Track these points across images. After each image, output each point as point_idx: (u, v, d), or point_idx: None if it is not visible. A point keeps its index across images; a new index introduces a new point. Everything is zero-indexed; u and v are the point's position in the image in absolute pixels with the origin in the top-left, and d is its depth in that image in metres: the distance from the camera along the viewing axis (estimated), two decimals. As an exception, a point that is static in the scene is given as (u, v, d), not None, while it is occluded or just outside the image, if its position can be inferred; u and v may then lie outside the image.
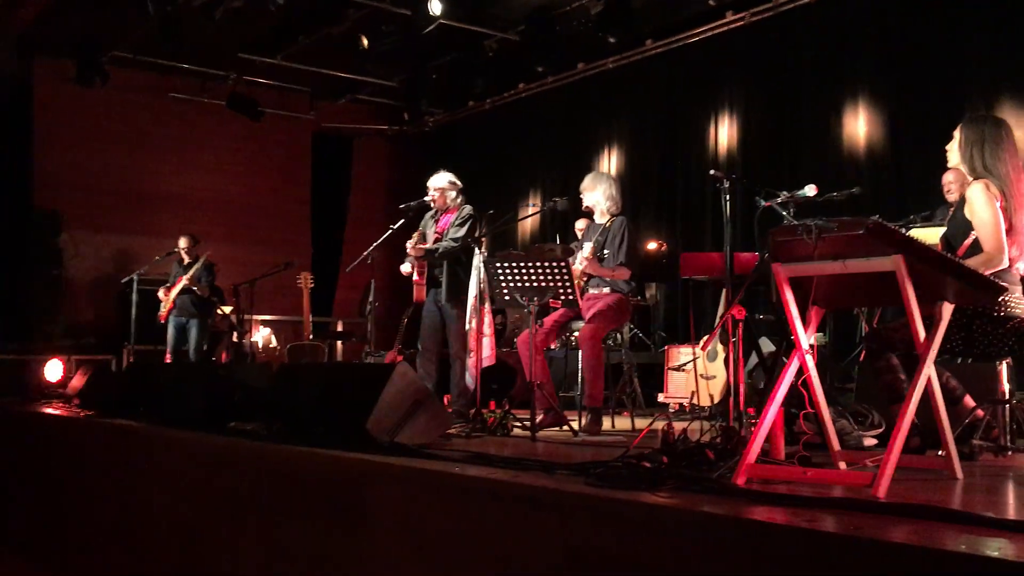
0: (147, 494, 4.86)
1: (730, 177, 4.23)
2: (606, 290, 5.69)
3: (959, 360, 3.95)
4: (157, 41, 9.47)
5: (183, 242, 9.34)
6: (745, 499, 2.55)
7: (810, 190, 4.14)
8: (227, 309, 9.94)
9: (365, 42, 9.32)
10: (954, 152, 3.84)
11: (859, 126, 8.18)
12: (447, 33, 9.30)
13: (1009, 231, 3.67)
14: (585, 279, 5.67)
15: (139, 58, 10.60)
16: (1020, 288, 3.77)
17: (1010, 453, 3.70)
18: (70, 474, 5.81)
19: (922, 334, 3.06)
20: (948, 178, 6.19)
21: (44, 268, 10.22)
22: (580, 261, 5.60)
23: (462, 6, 8.82)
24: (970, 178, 3.78)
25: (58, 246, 10.43)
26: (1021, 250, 3.71)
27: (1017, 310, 3.65)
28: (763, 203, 4.11)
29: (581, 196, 5.92)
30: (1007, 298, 3.61)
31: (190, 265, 9.18)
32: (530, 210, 5.39)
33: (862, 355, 6.17)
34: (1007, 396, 3.71)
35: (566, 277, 5.02)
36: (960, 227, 3.78)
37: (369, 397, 4.03)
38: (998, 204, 3.63)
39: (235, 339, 10.03)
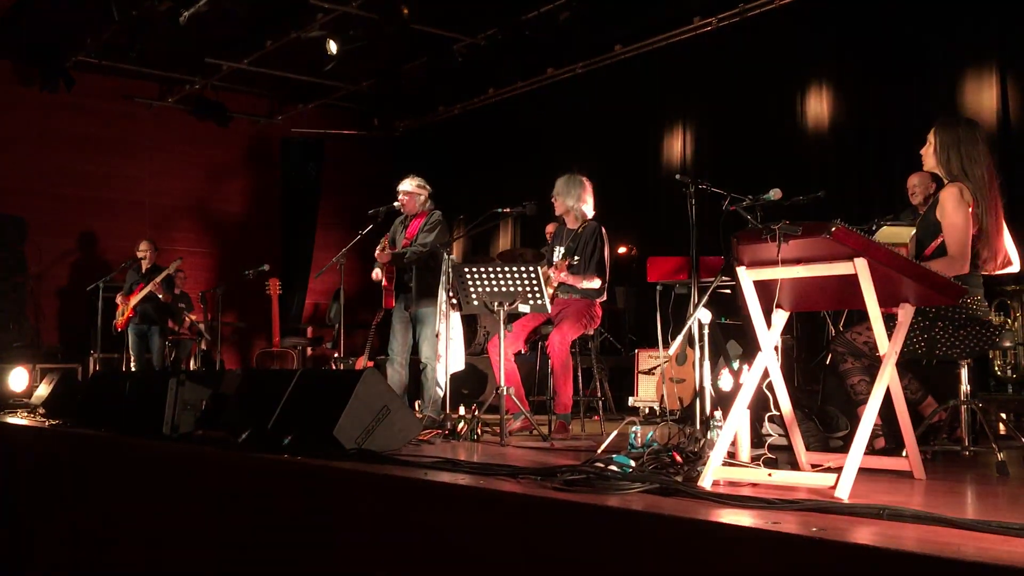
0: (113, 504, 4.81)
1: (695, 181, 4.25)
2: (576, 295, 5.70)
3: (923, 363, 4.00)
4: (122, 45, 9.37)
5: (143, 247, 9.25)
6: (711, 502, 2.57)
7: (775, 194, 4.18)
8: (194, 316, 9.86)
9: (333, 46, 9.27)
10: (930, 156, 3.88)
11: (825, 130, 8.26)
12: (416, 37, 9.29)
13: (978, 235, 3.72)
14: (556, 285, 5.68)
15: (103, 63, 10.48)
16: (982, 291, 3.82)
17: (969, 453, 3.75)
18: (36, 484, 5.73)
19: (883, 337, 3.10)
20: (913, 181, 6.27)
21: (8, 275, 10.07)
22: (552, 270, 5.60)
23: (431, 10, 8.81)
24: (946, 180, 3.82)
25: (23, 253, 10.29)
26: (992, 253, 3.75)
27: (978, 312, 3.71)
28: (728, 207, 4.14)
29: (554, 200, 5.93)
30: (968, 300, 3.66)
31: (150, 271, 9.08)
32: (500, 214, 5.37)
33: (828, 357, 6.23)
34: (967, 397, 3.76)
35: (535, 282, 5.03)
36: (930, 229, 3.84)
37: (337, 404, 4.02)
38: (969, 210, 3.68)
39: (203, 347, 9.95)
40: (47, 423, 6.11)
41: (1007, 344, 5.81)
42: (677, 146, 9.49)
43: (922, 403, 3.92)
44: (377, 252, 6.26)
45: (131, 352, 9.07)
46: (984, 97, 7.17)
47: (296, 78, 11.07)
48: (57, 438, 5.63)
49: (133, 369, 8.99)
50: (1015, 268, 3.89)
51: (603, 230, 5.78)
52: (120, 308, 9.07)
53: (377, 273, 6.32)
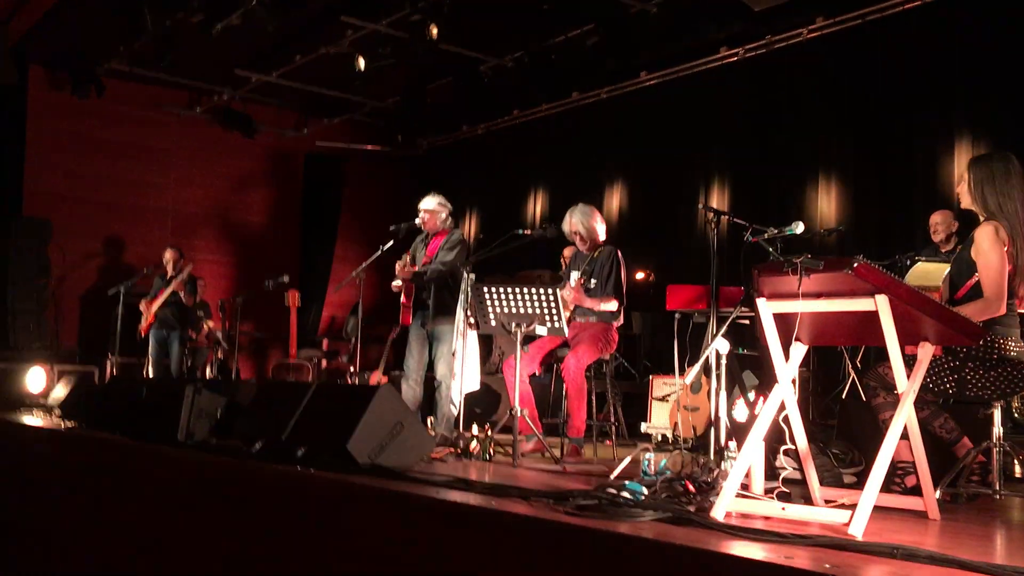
0: (125, 508, 4.83)
1: (719, 212, 4.26)
2: (593, 319, 5.70)
3: (951, 402, 3.96)
4: (153, 55, 9.49)
5: (169, 254, 9.33)
6: (723, 533, 2.56)
7: (798, 227, 4.18)
8: (212, 324, 9.92)
9: (362, 63, 9.36)
10: (965, 193, 3.84)
11: (848, 162, 8.24)
12: (443, 57, 9.36)
13: (1014, 273, 3.67)
14: (573, 307, 5.69)
15: (134, 71, 10.62)
16: (1018, 331, 3.76)
17: (1001, 497, 3.70)
18: (49, 485, 5.76)
19: (903, 375, 3.09)
20: (935, 219, 6.25)
21: (31, 277, 10.17)
22: (567, 291, 5.61)
23: (459, 31, 8.88)
24: (981, 218, 3.78)
25: (46, 255, 10.39)
26: None
27: (1011, 353, 3.65)
28: (750, 238, 4.15)
29: (567, 234, 5.95)
30: (1000, 341, 3.62)
31: (173, 278, 9.16)
32: (520, 236, 5.41)
33: (844, 391, 6.20)
34: (999, 440, 3.71)
35: (553, 304, 5.04)
36: (964, 267, 3.78)
37: (352, 418, 4.03)
38: (1005, 249, 3.64)
39: (219, 355, 10.00)
40: (63, 425, 6.15)
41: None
42: (701, 173, 9.48)
43: (957, 444, 3.86)
44: (398, 268, 6.28)
45: (150, 357, 9.13)
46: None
47: (323, 93, 11.18)
48: (72, 440, 5.67)
49: (151, 374, 9.05)
50: None
51: (619, 253, 5.80)
52: (143, 314, 9.15)
53: (397, 284, 6.34)
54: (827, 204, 8.24)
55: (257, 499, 3.94)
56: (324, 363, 10.84)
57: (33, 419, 6.64)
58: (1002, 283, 3.61)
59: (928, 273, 4.17)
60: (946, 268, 3.99)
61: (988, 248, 3.63)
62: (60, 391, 7.28)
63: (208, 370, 9.81)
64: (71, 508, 5.33)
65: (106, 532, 4.92)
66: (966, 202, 3.84)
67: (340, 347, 11.46)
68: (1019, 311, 3.78)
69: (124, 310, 9.09)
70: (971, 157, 3.88)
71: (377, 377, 8.42)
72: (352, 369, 8.79)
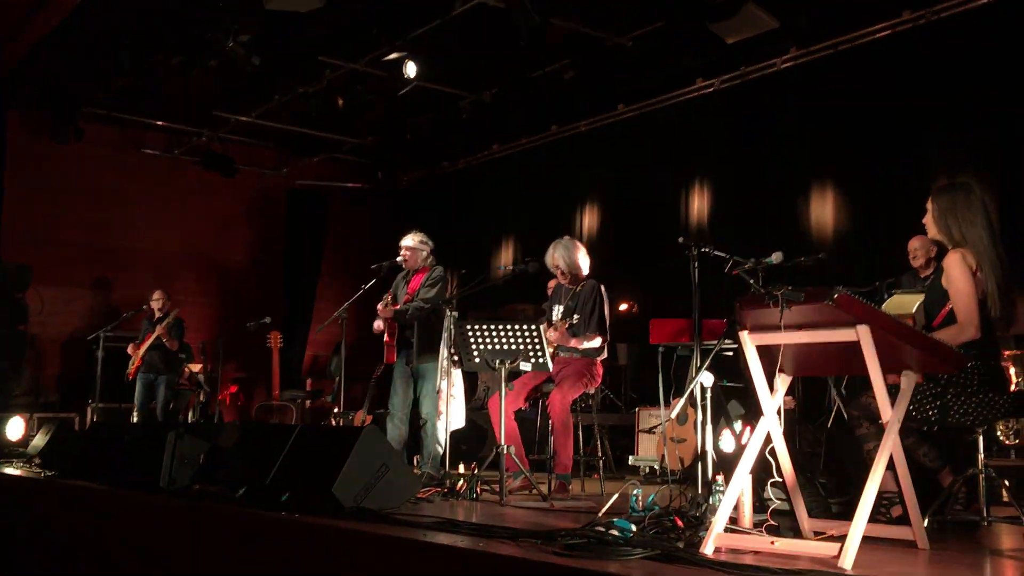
0: (107, 557, 4.75)
1: (697, 246, 4.27)
2: (577, 355, 5.69)
3: (935, 428, 3.96)
4: (132, 97, 9.48)
5: (157, 296, 9.27)
6: (713, 569, 2.54)
7: (776, 257, 4.19)
8: (196, 367, 9.84)
9: (340, 103, 9.40)
10: (931, 224, 3.90)
11: (826, 192, 8.31)
12: (422, 94, 9.40)
13: (985, 298, 3.70)
14: (556, 344, 5.67)
15: (113, 114, 10.60)
16: (999, 357, 3.77)
17: (988, 523, 3.70)
18: (28, 536, 5.67)
19: (887, 404, 3.09)
20: (914, 244, 6.29)
21: (8, 322, 10.06)
22: (552, 333, 5.59)
23: (437, 68, 8.93)
24: (948, 247, 3.83)
25: (24, 301, 10.28)
26: (1004, 312, 3.72)
27: (991, 378, 3.67)
28: (732, 271, 4.16)
29: (550, 267, 5.93)
30: (982, 367, 3.63)
31: (161, 319, 9.11)
32: (501, 272, 5.44)
33: (830, 421, 6.20)
34: (984, 466, 3.72)
35: (537, 340, 5.02)
36: (938, 296, 3.83)
37: (336, 461, 3.99)
38: (974, 273, 3.68)
39: (201, 398, 9.91)
40: (42, 474, 6.06)
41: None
42: (681, 205, 9.53)
43: (941, 472, 3.87)
44: (379, 307, 6.27)
45: (135, 401, 9.04)
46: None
47: (302, 131, 11.19)
48: (50, 490, 5.58)
49: (136, 419, 8.95)
50: None
51: (602, 288, 5.79)
52: (132, 357, 9.08)
53: (379, 325, 6.32)
54: (808, 231, 8.29)
55: (240, 546, 3.88)
56: (308, 403, 10.76)
57: (12, 469, 6.54)
58: (973, 307, 3.65)
59: (903, 304, 4.20)
60: (920, 298, 4.02)
61: (957, 276, 3.69)
62: (40, 439, 7.18)
63: (190, 413, 9.71)
64: (43, 559, 5.23)
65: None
66: (932, 232, 3.91)
67: (324, 386, 11.38)
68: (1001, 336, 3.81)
69: (105, 355, 9.00)
70: (934, 187, 3.93)
71: (361, 417, 8.36)
72: (336, 409, 8.72)
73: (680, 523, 3.32)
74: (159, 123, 11.17)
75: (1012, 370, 6.02)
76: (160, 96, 9.42)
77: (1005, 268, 3.73)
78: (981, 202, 3.81)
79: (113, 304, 11.00)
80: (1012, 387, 4.54)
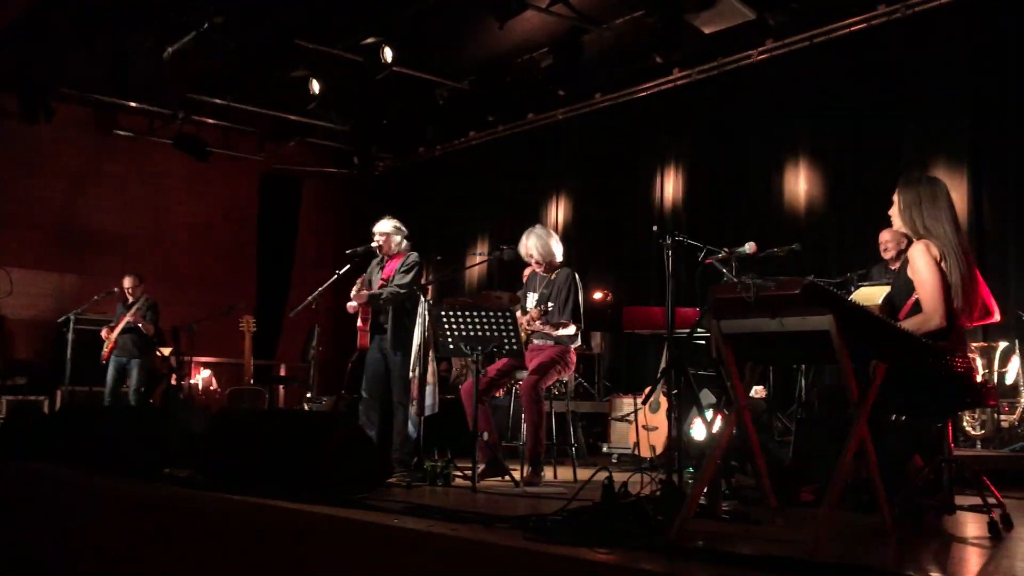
0: (71, 543, 4.71)
1: (672, 235, 4.29)
2: (551, 342, 5.70)
3: (903, 418, 4.01)
4: (105, 79, 9.37)
5: (128, 281, 9.19)
6: (683, 556, 2.56)
7: (749, 247, 4.22)
8: (166, 351, 9.76)
9: (316, 87, 9.33)
10: (896, 216, 3.95)
11: (800, 183, 8.37)
12: (398, 80, 9.35)
13: (947, 289, 3.75)
14: (530, 331, 5.68)
15: (85, 95, 10.47)
16: (965, 349, 3.82)
17: (954, 512, 3.74)
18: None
19: (855, 393, 3.12)
20: (884, 237, 6.36)
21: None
22: (525, 319, 5.59)
23: (414, 54, 8.88)
24: (914, 239, 3.87)
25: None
26: (969, 305, 3.78)
27: (958, 370, 3.71)
28: (704, 260, 4.18)
29: (523, 256, 5.93)
30: (948, 358, 3.67)
31: (132, 304, 9.03)
32: (476, 259, 5.44)
33: (800, 409, 6.26)
34: (950, 454, 3.76)
35: (511, 326, 5.03)
36: (904, 287, 3.88)
37: (309, 446, 3.99)
38: (939, 264, 3.73)
39: (173, 382, 9.85)
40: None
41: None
42: (656, 194, 9.57)
43: (908, 460, 3.91)
44: (353, 292, 6.24)
45: (107, 384, 8.96)
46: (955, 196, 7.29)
47: (278, 115, 11.11)
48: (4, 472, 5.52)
49: (108, 402, 8.88)
50: (996, 319, 3.92)
51: (576, 276, 5.79)
52: (105, 341, 9.01)
53: (352, 305, 6.29)
54: (783, 222, 8.35)
55: (209, 530, 3.87)
56: (280, 388, 10.70)
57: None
58: (938, 296, 3.69)
59: (870, 296, 4.25)
60: (886, 290, 4.07)
61: (922, 266, 3.73)
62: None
63: (162, 397, 9.64)
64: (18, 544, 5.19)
65: (54, 568, 4.80)
66: (897, 224, 3.96)
67: (297, 372, 11.34)
68: (967, 327, 3.85)
69: (76, 337, 8.92)
70: (900, 181, 3.98)
71: (334, 402, 8.34)
72: (309, 394, 8.70)
73: (651, 510, 3.33)
74: (132, 104, 11.04)
75: (979, 361, 6.11)
76: (134, 78, 9.31)
77: (970, 259, 3.78)
78: (946, 196, 3.86)
79: (83, 286, 10.88)
80: (978, 378, 4.59)
